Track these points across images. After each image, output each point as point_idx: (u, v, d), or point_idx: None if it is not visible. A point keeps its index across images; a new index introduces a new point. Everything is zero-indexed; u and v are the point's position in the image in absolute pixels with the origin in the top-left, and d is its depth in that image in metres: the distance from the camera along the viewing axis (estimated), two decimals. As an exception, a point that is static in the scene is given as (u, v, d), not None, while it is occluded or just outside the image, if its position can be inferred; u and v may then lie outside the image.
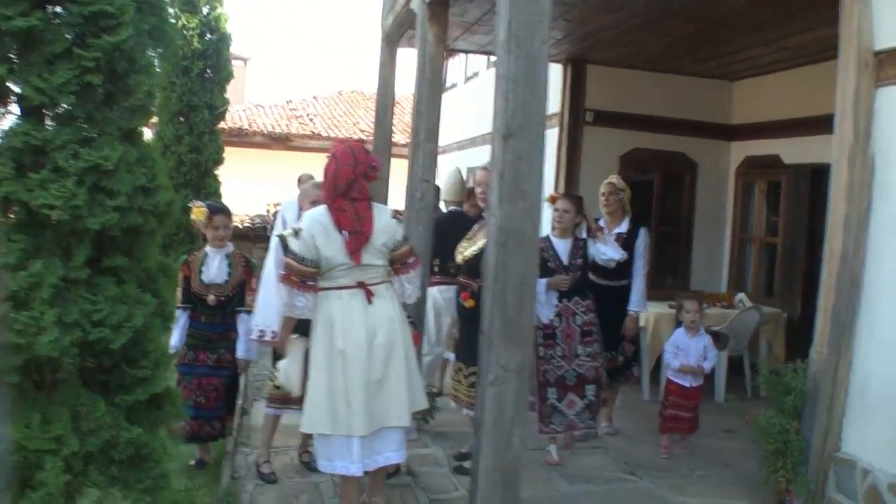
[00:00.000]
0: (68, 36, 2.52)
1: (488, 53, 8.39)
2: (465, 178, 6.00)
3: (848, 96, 3.55)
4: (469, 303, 4.16)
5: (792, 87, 6.48)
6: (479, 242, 4.22)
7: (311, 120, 17.30)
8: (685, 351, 4.81)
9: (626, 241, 4.91)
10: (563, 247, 4.47)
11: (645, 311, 5.12)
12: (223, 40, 8.68)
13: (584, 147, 7.27)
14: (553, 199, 4.50)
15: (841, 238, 3.57)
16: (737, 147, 7.37)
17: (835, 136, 3.65)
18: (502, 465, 3.18)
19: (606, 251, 4.59)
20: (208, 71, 8.85)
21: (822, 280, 3.69)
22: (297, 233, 3.35)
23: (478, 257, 4.18)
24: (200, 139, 8.35)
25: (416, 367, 3.61)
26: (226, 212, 4.32)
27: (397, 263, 3.51)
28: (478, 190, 4.37)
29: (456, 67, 12.02)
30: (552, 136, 7.58)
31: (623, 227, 5.05)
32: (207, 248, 4.30)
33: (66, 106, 2.55)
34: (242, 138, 14.89)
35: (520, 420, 3.23)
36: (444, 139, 9.74)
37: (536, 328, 4.22)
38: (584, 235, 4.64)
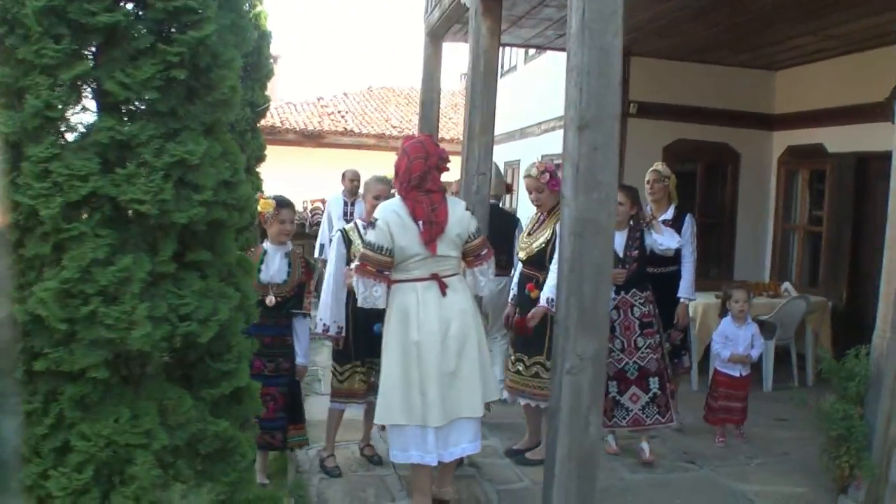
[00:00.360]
0: (152, 31, 2.52)
1: (533, 47, 8.35)
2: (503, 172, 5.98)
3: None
4: (535, 293, 4.16)
5: (835, 76, 6.41)
6: (544, 235, 4.21)
7: (342, 117, 17.31)
8: (733, 340, 4.81)
9: (673, 229, 4.79)
10: (618, 239, 4.32)
11: (695, 298, 5.06)
12: (264, 38, 8.63)
13: (629, 139, 7.21)
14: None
15: (906, 222, 3.52)
16: (779, 137, 7.29)
17: (901, 119, 3.59)
18: (579, 452, 3.20)
19: (663, 241, 4.48)
20: (249, 68, 8.87)
21: (883, 266, 3.67)
22: (373, 223, 3.36)
23: (542, 251, 4.18)
24: (243, 137, 8.35)
25: (488, 359, 3.62)
26: (291, 206, 4.17)
27: (470, 256, 3.54)
28: (530, 196, 4.33)
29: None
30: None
31: (669, 214, 5.00)
32: (267, 245, 4.06)
33: (149, 101, 2.54)
34: (275, 136, 14.87)
35: (596, 408, 3.24)
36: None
37: None
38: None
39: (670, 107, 7.27)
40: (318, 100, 18.37)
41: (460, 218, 3.46)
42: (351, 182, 7.57)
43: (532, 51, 10.22)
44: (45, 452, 2.37)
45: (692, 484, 4.13)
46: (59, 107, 2.37)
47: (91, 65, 2.44)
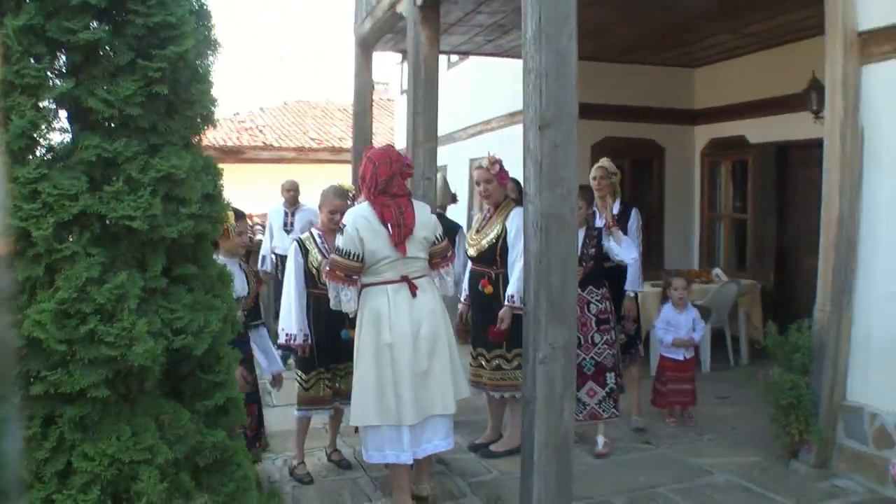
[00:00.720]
0: (131, 48, 2.54)
1: (463, 53, 8.52)
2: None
3: (836, 75, 3.83)
4: (489, 289, 4.30)
5: (753, 71, 6.84)
6: (494, 231, 4.36)
7: (260, 131, 17.13)
8: (675, 326, 5.08)
9: (618, 223, 4.88)
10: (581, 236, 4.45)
11: (641, 289, 5.19)
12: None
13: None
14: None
15: (837, 205, 3.85)
16: (701, 130, 7.73)
17: (826, 112, 3.93)
18: (555, 439, 3.34)
19: (619, 252, 4.51)
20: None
21: (821, 245, 3.97)
22: (341, 230, 3.43)
23: (493, 247, 4.33)
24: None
25: (458, 357, 3.73)
26: (244, 217, 4.22)
27: (437, 258, 3.65)
28: (478, 188, 4.46)
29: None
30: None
31: (615, 209, 5.13)
32: (221, 258, 3.85)
33: (130, 116, 2.55)
34: (193, 153, 14.54)
35: (569, 395, 3.39)
36: (400, 141, 9.86)
37: None
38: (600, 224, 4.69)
39: (598, 106, 7.59)
40: (235, 115, 18.09)
41: (427, 221, 3.58)
42: (288, 192, 7.56)
43: (455, 57, 10.42)
44: (48, 477, 2.35)
45: (652, 462, 4.35)
46: (43, 127, 2.36)
47: (73, 83, 2.44)
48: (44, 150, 2.39)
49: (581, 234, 4.42)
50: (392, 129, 15.90)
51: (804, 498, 3.70)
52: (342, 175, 7.16)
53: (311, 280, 4.11)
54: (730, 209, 7.62)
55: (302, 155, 16.24)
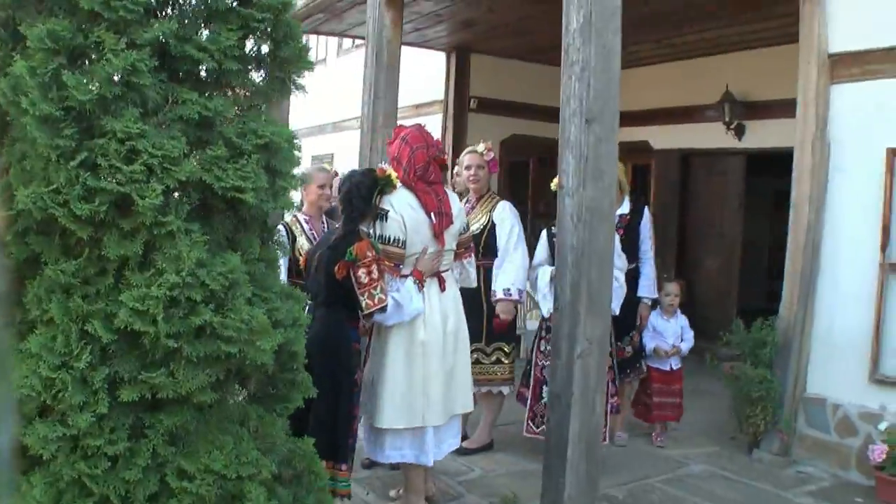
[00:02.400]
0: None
1: (350, 37, 8.18)
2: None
3: (810, 92, 4.17)
4: None
5: (665, 80, 7.26)
6: (479, 222, 4.24)
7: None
8: (661, 333, 4.67)
9: (630, 224, 4.52)
10: None
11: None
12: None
13: (468, 133, 7.53)
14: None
15: (806, 212, 4.21)
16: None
17: (797, 124, 4.26)
18: (587, 433, 3.35)
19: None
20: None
21: (788, 247, 4.30)
22: (384, 215, 3.15)
23: (477, 237, 4.20)
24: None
25: None
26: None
27: (462, 248, 3.50)
28: (467, 172, 4.33)
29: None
30: (436, 122, 7.73)
31: (624, 207, 4.49)
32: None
33: (227, 71, 2.17)
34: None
35: (600, 389, 3.43)
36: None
37: (543, 320, 4.25)
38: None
39: (507, 103, 7.75)
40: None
41: (459, 210, 3.44)
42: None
43: (346, 44, 10.09)
44: (139, 502, 1.91)
45: (631, 455, 4.44)
46: (146, 71, 1.91)
47: (167, 26, 2.01)
48: (133, 103, 1.95)
49: None
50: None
51: (779, 484, 3.98)
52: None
53: (295, 269, 3.76)
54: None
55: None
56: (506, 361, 4.27)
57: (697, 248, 7.20)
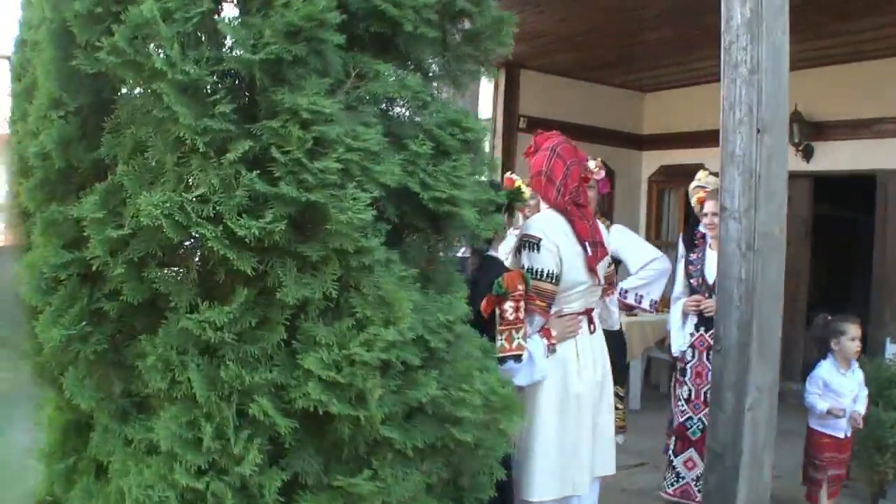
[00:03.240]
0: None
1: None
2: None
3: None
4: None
5: (708, 101, 6.85)
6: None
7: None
8: (837, 392, 3.61)
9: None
10: (715, 261, 3.47)
11: None
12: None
13: (518, 154, 7.00)
14: (699, 200, 3.81)
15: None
16: (649, 156, 7.64)
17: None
18: (756, 497, 2.83)
19: None
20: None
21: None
22: (533, 245, 2.55)
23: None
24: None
25: None
26: None
27: (606, 283, 2.91)
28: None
29: None
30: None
31: None
32: None
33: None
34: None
35: (770, 446, 2.91)
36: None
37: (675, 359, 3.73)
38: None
39: (558, 123, 7.23)
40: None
41: (609, 240, 2.90)
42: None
43: None
44: None
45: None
46: (333, 28, 1.28)
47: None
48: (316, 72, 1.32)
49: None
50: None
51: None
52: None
53: None
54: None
55: None
56: (620, 407, 3.65)
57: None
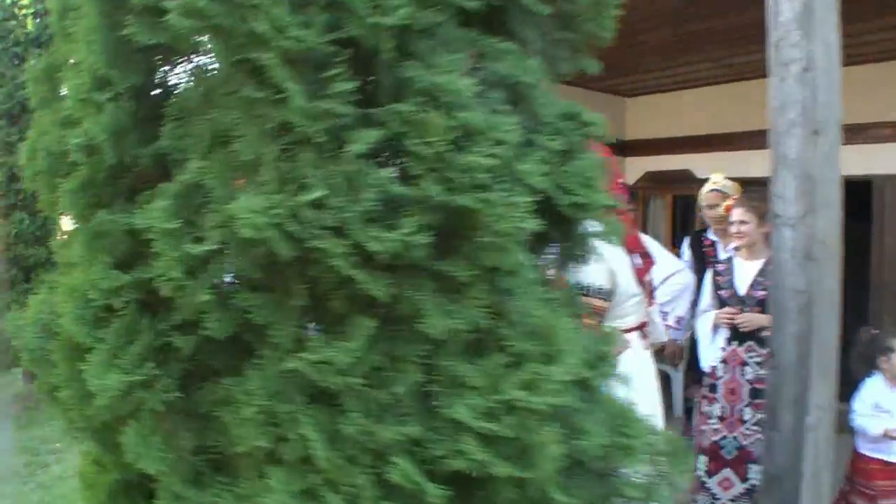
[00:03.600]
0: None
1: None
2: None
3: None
4: None
5: (696, 105, 6.79)
6: None
7: None
8: (889, 410, 3.33)
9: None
10: (745, 271, 3.44)
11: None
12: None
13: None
14: (727, 209, 3.60)
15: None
16: (633, 162, 7.51)
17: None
18: (816, 524, 2.65)
19: None
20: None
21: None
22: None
23: None
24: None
25: None
26: None
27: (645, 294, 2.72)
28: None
29: None
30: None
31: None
32: None
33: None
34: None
35: (828, 467, 2.77)
36: None
37: (705, 374, 3.52)
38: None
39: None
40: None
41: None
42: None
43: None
44: None
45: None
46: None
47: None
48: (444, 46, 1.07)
49: (754, 266, 3.47)
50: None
51: None
52: None
53: None
54: (668, 243, 7.46)
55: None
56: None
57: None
